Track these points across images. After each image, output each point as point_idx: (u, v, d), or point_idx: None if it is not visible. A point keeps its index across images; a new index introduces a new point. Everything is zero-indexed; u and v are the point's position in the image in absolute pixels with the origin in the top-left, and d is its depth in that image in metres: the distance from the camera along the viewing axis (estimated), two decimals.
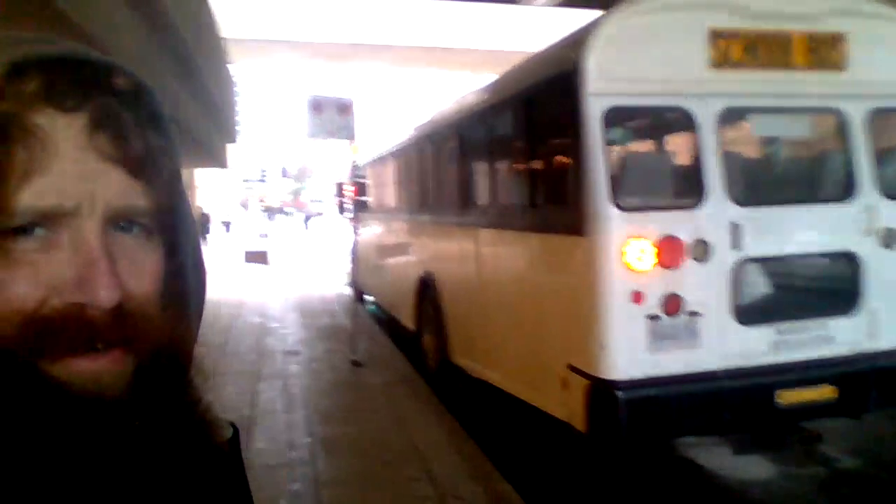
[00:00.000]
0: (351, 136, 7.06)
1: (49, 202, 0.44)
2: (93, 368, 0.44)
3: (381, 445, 4.34)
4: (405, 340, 7.16)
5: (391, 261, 8.12)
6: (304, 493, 3.62)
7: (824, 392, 3.50)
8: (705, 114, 3.56)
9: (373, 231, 9.31)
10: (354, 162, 8.27)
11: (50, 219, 0.44)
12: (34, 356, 0.43)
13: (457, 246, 5.56)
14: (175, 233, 0.51)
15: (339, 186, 11.26)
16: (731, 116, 3.74)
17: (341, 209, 10.91)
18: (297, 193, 63.16)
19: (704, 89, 3.57)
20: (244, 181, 44.78)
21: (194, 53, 10.69)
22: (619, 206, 3.38)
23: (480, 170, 5.18)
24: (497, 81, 5.02)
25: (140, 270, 0.47)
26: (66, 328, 0.43)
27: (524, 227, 4.25)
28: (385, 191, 8.62)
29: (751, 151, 4.48)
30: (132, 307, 0.46)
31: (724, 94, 3.61)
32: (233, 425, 0.59)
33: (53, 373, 0.43)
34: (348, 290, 10.79)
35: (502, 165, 4.90)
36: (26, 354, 0.42)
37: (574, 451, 4.23)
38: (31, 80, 0.44)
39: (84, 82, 0.46)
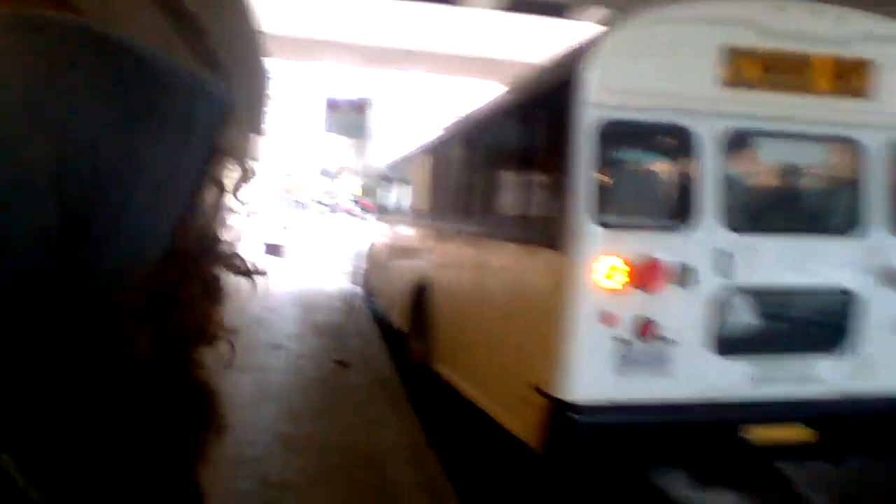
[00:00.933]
0: (366, 135, 7.03)
1: None
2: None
3: (341, 448, 4.21)
4: (399, 342, 7.04)
5: (393, 263, 8.03)
6: (248, 493, 3.50)
7: (801, 433, 3.26)
8: (709, 134, 3.35)
9: (384, 233, 9.25)
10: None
11: None
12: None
13: (448, 253, 5.42)
14: None
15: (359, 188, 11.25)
16: (738, 139, 3.52)
17: (359, 210, 10.91)
18: (332, 191, 63.55)
19: (711, 109, 3.37)
20: (287, 176, 45.24)
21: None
22: (598, 222, 3.20)
23: (475, 178, 5.05)
24: (502, 92, 4.88)
25: None
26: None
27: (509, 237, 4.10)
28: (400, 194, 8.58)
29: (754, 177, 4.25)
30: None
31: (733, 115, 3.40)
32: None
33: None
34: (354, 288, 10.79)
35: (495, 174, 4.76)
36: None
37: (538, 472, 4.04)
38: None
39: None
